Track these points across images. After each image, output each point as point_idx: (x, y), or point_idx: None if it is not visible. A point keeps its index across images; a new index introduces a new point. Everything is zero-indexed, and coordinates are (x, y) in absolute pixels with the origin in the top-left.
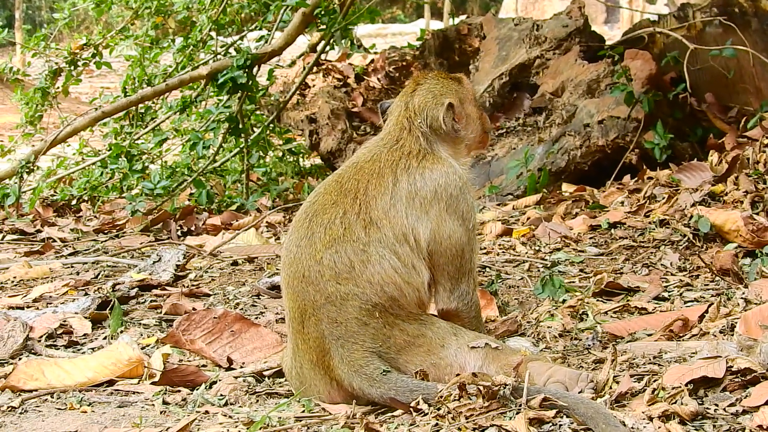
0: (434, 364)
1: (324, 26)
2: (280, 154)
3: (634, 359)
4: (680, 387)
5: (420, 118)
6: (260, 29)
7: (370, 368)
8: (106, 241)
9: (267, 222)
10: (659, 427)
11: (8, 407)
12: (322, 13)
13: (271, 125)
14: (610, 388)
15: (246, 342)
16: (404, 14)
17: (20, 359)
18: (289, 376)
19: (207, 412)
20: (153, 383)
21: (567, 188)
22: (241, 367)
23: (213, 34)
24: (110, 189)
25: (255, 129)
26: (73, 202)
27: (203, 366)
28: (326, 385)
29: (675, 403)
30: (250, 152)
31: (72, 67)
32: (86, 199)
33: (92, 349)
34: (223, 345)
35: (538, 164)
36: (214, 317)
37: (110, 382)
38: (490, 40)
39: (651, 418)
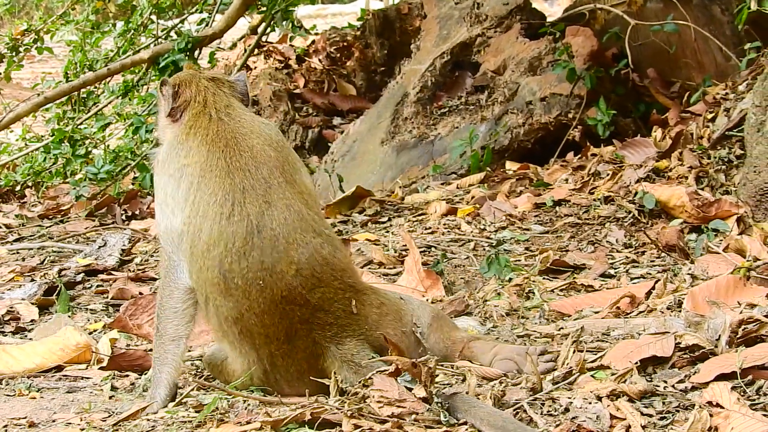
0: (404, 332)
1: (264, 8)
2: None
3: (581, 337)
4: (629, 366)
5: None
6: (201, 12)
7: (359, 356)
8: (51, 226)
9: None
10: (608, 406)
11: None
12: None
13: None
14: (564, 364)
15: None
16: None
17: None
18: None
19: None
20: (101, 368)
21: (511, 166)
22: (189, 351)
23: (154, 18)
24: (54, 174)
25: None
26: (17, 188)
27: (151, 351)
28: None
29: (624, 382)
30: None
31: (14, 53)
32: (30, 184)
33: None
34: None
35: (482, 143)
36: None
37: (58, 368)
38: (431, 19)
39: (600, 398)
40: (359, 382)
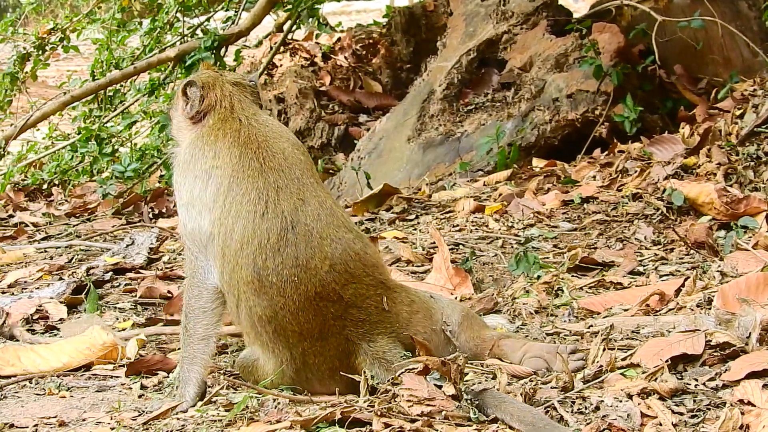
0: (434, 330)
1: (290, 6)
2: None
3: (611, 335)
4: (659, 364)
5: None
6: (227, 10)
7: (390, 354)
8: (78, 224)
9: None
10: (638, 404)
11: None
12: None
13: None
14: (594, 362)
15: None
16: None
17: None
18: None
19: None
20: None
21: (537, 163)
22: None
23: (179, 15)
24: (81, 173)
25: None
26: (44, 186)
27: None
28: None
29: (655, 380)
30: None
31: (40, 52)
32: (57, 183)
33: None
34: None
35: (508, 140)
36: None
37: (87, 367)
38: (457, 16)
39: (630, 396)
40: (388, 381)
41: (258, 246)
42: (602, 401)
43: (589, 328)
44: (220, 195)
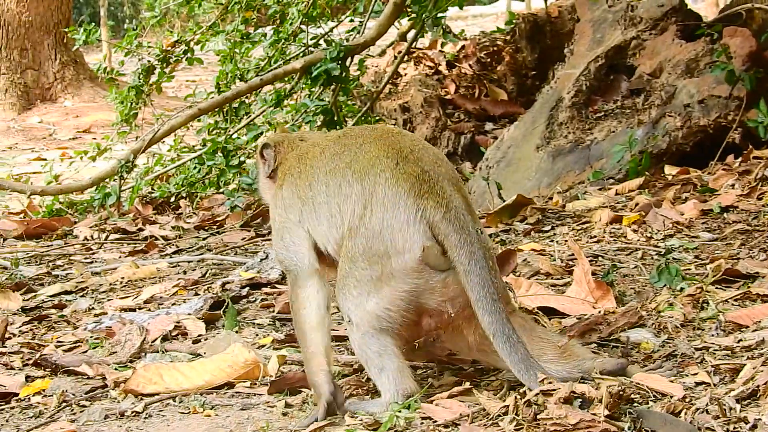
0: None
1: (414, 15)
2: None
3: (762, 349)
4: None
5: None
6: (351, 20)
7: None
8: (207, 237)
9: None
10: None
11: (132, 412)
12: (413, 1)
13: (364, 115)
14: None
15: None
16: None
17: (138, 363)
18: None
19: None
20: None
21: (669, 170)
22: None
23: (303, 27)
24: (208, 185)
25: (348, 120)
26: (172, 199)
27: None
28: None
29: None
30: None
31: (164, 65)
32: (184, 195)
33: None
34: None
35: (639, 147)
36: None
37: (229, 385)
38: (584, 23)
39: None
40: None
41: None
42: (759, 419)
43: (738, 342)
44: None
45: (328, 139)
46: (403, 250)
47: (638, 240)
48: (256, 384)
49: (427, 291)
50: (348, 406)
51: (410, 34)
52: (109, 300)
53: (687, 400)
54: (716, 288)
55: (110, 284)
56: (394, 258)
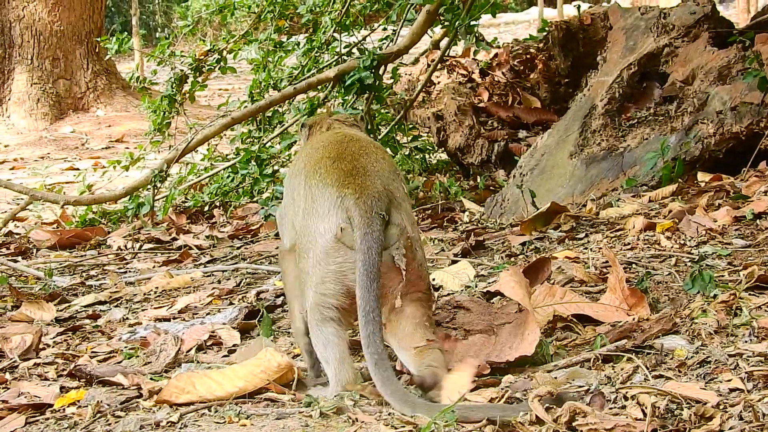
0: None
1: (447, 23)
2: (406, 151)
3: None
4: None
5: None
6: (384, 29)
7: None
8: (241, 246)
9: None
10: None
11: (167, 422)
12: (446, 9)
13: (398, 124)
14: None
15: None
16: (515, 2)
17: (173, 373)
18: None
19: (363, 421)
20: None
21: (702, 177)
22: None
23: (336, 35)
24: (241, 194)
25: (381, 128)
26: (205, 208)
27: None
28: None
29: None
30: None
31: (197, 74)
32: (218, 204)
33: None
34: None
35: (672, 154)
36: None
37: (261, 391)
38: (617, 30)
39: None
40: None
41: None
42: None
43: None
44: None
45: (322, 138)
46: (324, 232)
47: (672, 247)
48: (290, 389)
49: (351, 270)
50: (307, 382)
51: (443, 42)
52: (143, 310)
53: (720, 407)
54: (749, 294)
55: (144, 294)
56: (318, 243)
